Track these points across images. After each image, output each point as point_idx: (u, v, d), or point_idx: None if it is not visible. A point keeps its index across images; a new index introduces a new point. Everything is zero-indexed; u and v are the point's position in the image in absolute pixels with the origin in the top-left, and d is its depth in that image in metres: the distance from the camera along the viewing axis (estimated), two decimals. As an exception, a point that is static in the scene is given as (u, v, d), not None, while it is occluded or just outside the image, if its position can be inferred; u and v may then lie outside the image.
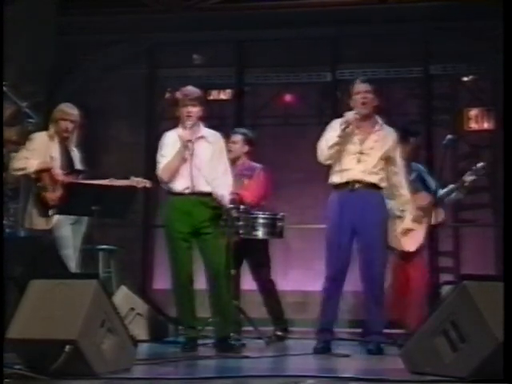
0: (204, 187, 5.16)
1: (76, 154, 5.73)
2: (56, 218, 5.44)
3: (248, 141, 6.19)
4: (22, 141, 6.20)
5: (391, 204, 5.70)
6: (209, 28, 8.24)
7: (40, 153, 5.51)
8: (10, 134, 6.64)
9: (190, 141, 5.11)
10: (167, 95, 8.64)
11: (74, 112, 5.66)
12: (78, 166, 5.70)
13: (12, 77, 6.21)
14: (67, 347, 3.48)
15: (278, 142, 7.92)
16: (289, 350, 5.64)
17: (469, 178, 5.91)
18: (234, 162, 5.93)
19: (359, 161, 5.10)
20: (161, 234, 8.29)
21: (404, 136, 5.94)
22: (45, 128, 5.79)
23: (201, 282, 5.31)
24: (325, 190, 5.30)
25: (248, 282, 6.25)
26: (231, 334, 5.21)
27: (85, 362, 3.55)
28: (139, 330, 5.63)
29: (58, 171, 5.50)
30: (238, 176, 5.89)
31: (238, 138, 6.18)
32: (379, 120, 5.27)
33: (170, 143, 5.24)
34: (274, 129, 8.32)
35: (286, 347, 5.82)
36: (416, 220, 5.91)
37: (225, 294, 5.20)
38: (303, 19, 8.11)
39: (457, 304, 3.70)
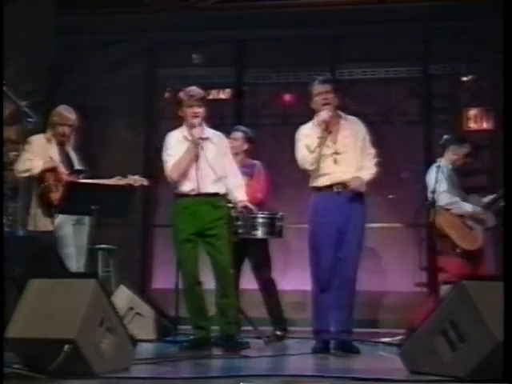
0: (209, 188, 5.20)
1: (74, 156, 5.72)
2: (58, 217, 5.44)
3: (248, 139, 6.22)
4: (21, 140, 6.20)
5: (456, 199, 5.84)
6: (208, 27, 8.24)
7: (40, 154, 5.51)
8: (10, 133, 6.64)
9: (201, 138, 5.16)
10: (167, 95, 8.64)
11: (72, 116, 5.65)
12: (78, 166, 5.69)
13: (11, 76, 6.21)
14: (66, 346, 3.48)
15: (278, 141, 7.91)
16: (288, 350, 5.63)
17: None
18: None
19: (336, 162, 5.07)
20: (160, 233, 8.37)
21: (459, 142, 6.03)
22: (44, 127, 5.79)
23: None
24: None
25: (247, 282, 6.25)
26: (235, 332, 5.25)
27: (84, 362, 3.55)
28: (138, 329, 5.62)
29: (63, 169, 5.49)
30: None
31: (238, 135, 6.20)
32: (342, 114, 5.23)
33: (176, 143, 5.27)
34: (273, 128, 8.32)
35: (286, 347, 5.82)
36: (483, 218, 5.96)
37: (230, 292, 5.22)
38: (303, 19, 8.11)
39: (456, 304, 3.71)
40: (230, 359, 4.80)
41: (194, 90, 5.30)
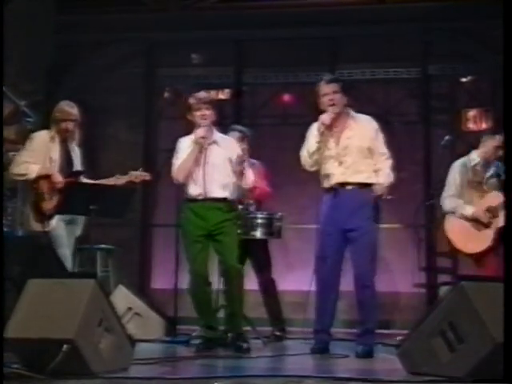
0: (217, 193, 5.19)
1: (77, 154, 5.67)
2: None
3: (245, 138, 6.21)
4: (20, 140, 6.19)
5: (456, 203, 5.78)
6: (207, 27, 8.24)
7: (39, 154, 5.44)
8: (9, 132, 6.63)
9: (204, 138, 5.15)
10: (166, 94, 8.65)
11: (74, 111, 5.58)
12: (78, 166, 5.65)
13: (11, 76, 6.21)
14: (65, 346, 3.48)
15: (277, 141, 7.92)
16: (287, 350, 5.63)
17: None
18: None
19: (340, 163, 5.05)
20: (159, 233, 8.37)
21: (492, 133, 5.96)
22: (43, 127, 5.76)
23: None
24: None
25: (246, 282, 6.24)
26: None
27: (82, 362, 3.55)
28: (137, 329, 5.63)
29: (58, 177, 5.41)
30: None
31: (235, 135, 6.19)
32: (352, 113, 5.18)
33: (186, 147, 5.28)
34: (272, 128, 8.32)
35: (285, 347, 5.82)
36: (483, 221, 5.85)
37: (238, 289, 5.21)
38: (302, 19, 8.11)
39: (454, 304, 3.71)
40: (229, 359, 4.80)
41: (202, 93, 5.35)
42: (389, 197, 6.24)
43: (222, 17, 8.28)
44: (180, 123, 8.36)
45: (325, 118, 5.03)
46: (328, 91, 5.09)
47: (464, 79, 8.18)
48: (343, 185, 5.05)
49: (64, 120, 5.52)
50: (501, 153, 5.82)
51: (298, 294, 7.15)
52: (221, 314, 5.60)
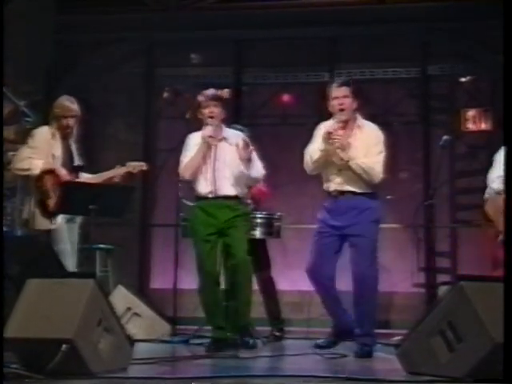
0: (227, 190, 5.19)
1: (74, 148, 5.65)
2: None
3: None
4: (20, 140, 6.18)
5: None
6: (207, 27, 8.24)
7: (42, 151, 5.40)
8: (8, 132, 6.62)
9: (212, 137, 5.14)
10: (165, 94, 8.64)
11: (75, 107, 5.50)
12: (78, 161, 5.61)
13: (10, 76, 6.20)
14: (64, 346, 3.48)
15: (276, 141, 7.92)
16: (286, 350, 5.64)
17: None
18: None
19: (340, 171, 5.00)
20: (158, 233, 8.36)
21: None
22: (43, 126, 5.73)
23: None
24: (322, 190, 5.30)
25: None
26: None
27: (81, 362, 3.55)
28: (136, 329, 5.63)
29: (62, 170, 5.40)
30: None
31: None
32: (359, 120, 5.11)
33: (194, 144, 5.27)
34: (271, 128, 8.32)
35: (283, 347, 5.82)
36: None
37: (247, 284, 5.22)
38: (301, 19, 8.10)
39: (454, 304, 3.71)
40: (228, 359, 4.80)
41: (211, 90, 5.33)
42: (388, 197, 6.25)
43: (221, 17, 8.28)
44: (179, 123, 8.42)
45: (330, 126, 4.97)
46: (338, 95, 5.02)
47: (463, 79, 8.18)
48: (342, 192, 5.03)
49: (65, 116, 5.46)
50: None
51: (297, 294, 7.16)
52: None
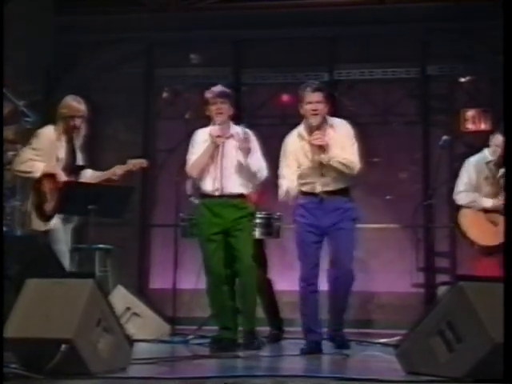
0: (234, 188, 5.18)
1: (78, 150, 5.60)
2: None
3: None
4: (19, 140, 6.17)
5: (473, 196, 5.86)
6: (206, 27, 8.24)
7: (45, 153, 5.33)
8: (7, 132, 6.61)
9: (219, 137, 5.13)
10: (164, 94, 8.64)
11: (82, 107, 5.40)
12: (80, 160, 5.56)
13: (9, 75, 6.19)
14: (63, 346, 3.48)
15: (275, 141, 7.91)
16: (284, 350, 5.64)
17: None
18: None
19: (322, 174, 5.10)
20: (157, 233, 8.36)
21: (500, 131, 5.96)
22: (41, 127, 5.69)
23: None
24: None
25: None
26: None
27: (81, 362, 3.54)
28: (135, 329, 5.63)
29: (62, 177, 5.33)
30: None
31: None
32: (330, 120, 5.21)
33: (201, 141, 5.25)
34: (271, 128, 8.30)
35: (283, 347, 5.82)
36: (493, 219, 5.88)
37: (251, 287, 5.23)
38: (301, 19, 8.11)
39: (453, 304, 3.71)
40: (227, 359, 4.80)
41: (218, 87, 5.32)
42: (387, 197, 6.27)
43: (220, 17, 8.28)
44: (179, 123, 8.43)
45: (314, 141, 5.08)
46: (312, 100, 5.12)
47: (463, 79, 8.19)
48: (326, 192, 5.10)
49: (71, 116, 5.36)
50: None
51: (294, 294, 7.15)
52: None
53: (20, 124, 6.73)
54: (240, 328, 5.27)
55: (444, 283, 6.20)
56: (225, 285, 5.23)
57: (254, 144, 5.27)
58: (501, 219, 5.71)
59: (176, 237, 6.70)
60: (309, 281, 5.15)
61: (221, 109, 5.20)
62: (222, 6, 8.27)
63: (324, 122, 5.17)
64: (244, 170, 5.19)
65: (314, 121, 5.10)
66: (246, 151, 5.14)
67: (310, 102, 5.11)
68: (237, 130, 5.32)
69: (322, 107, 5.12)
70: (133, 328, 5.57)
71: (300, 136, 5.22)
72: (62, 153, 5.41)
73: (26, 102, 6.69)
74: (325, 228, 5.10)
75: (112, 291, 6.17)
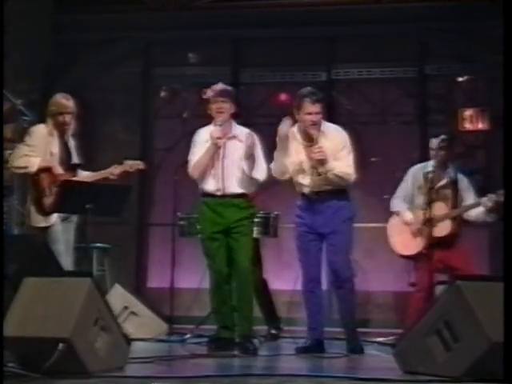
0: (235, 188, 5.16)
1: (72, 145, 5.64)
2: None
3: None
4: (17, 138, 6.17)
5: (400, 207, 6.01)
6: (204, 27, 8.24)
7: (39, 148, 5.39)
8: (5, 131, 6.61)
9: (220, 138, 5.10)
10: (162, 93, 8.64)
11: (70, 103, 5.50)
12: (75, 158, 5.61)
13: (8, 74, 6.19)
14: (60, 345, 3.48)
15: (273, 141, 7.91)
16: (282, 349, 5.64)
17: (488, 199, 5.77)
18: None
19: (312, 177, 5.11)
20: (155, 232, 8.36)
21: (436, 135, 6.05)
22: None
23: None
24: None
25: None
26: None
27: (78, 361, 3.54)
28: (133, 328, 5.63)
29: (59, 169, 5.40)
30: None
31: None
32: (323, 127, 5.17)
33: (202, 141, 5.22)
34: (268, 128, 8.28)
35: (280, 346, 5.82)
36: (417, 229, 5.93)
37: (248, 290, 5.21)
38: (299, 18, 8.11)
39: (450, 304, 3.71)
40: (224, 358, 4.81)
41: (219, 86, 5.28)
42: (385, 196, 6.28)
43: (218, 16, 8.28)
44: (177, 122, 8.43)
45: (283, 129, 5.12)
46: (312, 111, 5.08)
47: (460, 79, 8.19)
48: (319, 192, 5.12)
49: (61, 113, 5.45)
50: (445, 154, 5.95)
51: (294, 293, 7.16)
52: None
53: (18, 123, 6.74)
54: (236, 328, 5.27)
55: (442, 282, 6.19)
56: (226, 283, 5.23)
57: (258, 149, 5.24)
58: (425, 231, 5.80)
59: (174, 236, 6.70)
60: (310, 280, 5.17)
61: (222, 108, 5.17)
62: (220, 5, 8.27)
63: (319, 129, 5.14)
64: (246, 173, 5.19)
65: (313, 131, 5.07)
66: (249, 158, 5.13)
67: (310, 113, 5.07)
68: (239, 130, 5.29)
69: (320, 118, 5.11)
70: (130, 327, 5.57)
71: (295, 138, 5.20)
72: (55, 148, 5.46)
73: (24, 101, 6.70)
74: (319, 228, 5.12)
75: (109, 290, 6.17)
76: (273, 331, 6.14)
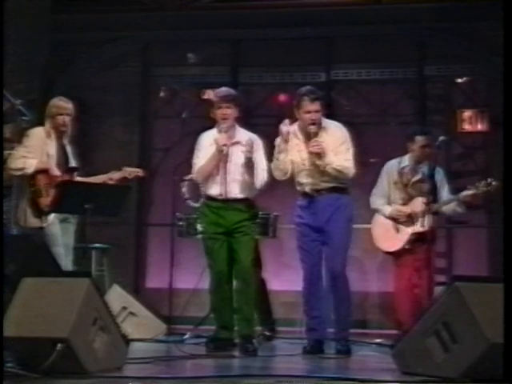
0: (238, 193, 5.17)
1: (70, 150, 5.66)
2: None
3: None
4: (16, 138, 6.17)
5: (379, 203, 5.96)
6: (204, 27, 8.24)
7: (37, 150, 5.41)
8: (4, 131, 6.60)
9: (225, 145, 5.08)
10: (161, 94, 8.64)
11: (69, 105, 5.54)
12: (73, 162, 5.64)
13: (6, 74, 6.19)
14: (59, 345, 3.47)
15: (272, 141, 7.92)
16: (280, 350, 5.64)
17: (465, 193, 5.72)
18: None
19: (313, 175, 5.14)
20: (154, 232, 8.36)
21: (410, 135, 5.98)
22: (38, 125, 5.73)
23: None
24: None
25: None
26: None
27: (76, 361, 3.54)
28: (131, 328, 5.63)
29: (55, 171, 5.41)
30: None
31: None
32: (324, 123, 5.20)
33: (207, 145, 5.22)
34: (267, 128, 8.29)
35: (277, 347, 5.82)
36: (401, 223, 5.93)
37: (249, 290, 5.21)
38: (298, 19, 8.11)
39: (449, 305, 3.71)
40: (223, 359, 4.80)
41: (223, 90, 5.27)
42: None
43: (218, 16, 8.28)
44: (176, 122, 8.43)
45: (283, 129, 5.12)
46: (311, 109, 5.11)
47: (460, 80, 8.19)
48: (318, 191, 5.13)
49: (60, 114, 5.48)
50: (428, 152, 5.90)
51: (292, 294, 7.16)
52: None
53: (17, 122, 6.73)
54: (235, 328, 5.26)
55: (440, 283, 6.19)
56: (226, 284, 5.22)
57: (258, 154, 5.23)
58: (406, 227, 5.86)
59: (172, 236, 6.70)
60: (310, 280, 5.17)
61: (226, 114, 5.14)
62: (220, 5, 8.27)
63: (319, 126, 5.18)
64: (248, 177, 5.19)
65: (313, 129, 5.10)
66: (248, 164, 5.12)
67: (309, 112, 5.10)
68: (243, 134, 5.27)
69: (319, 116, 5.13)
70: (129, 327, 5.56)
71: (296, 136, 5.21)
72: (52, 150, 5.48)
73: (23, 101, 6.69)
74: (319, 225, 5.12)
75: (108, 290, 6.17)
76: (266, 332, 6.13)
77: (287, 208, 6.84)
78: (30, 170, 5.34)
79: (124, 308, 6.01)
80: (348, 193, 5.25)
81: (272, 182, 5.36)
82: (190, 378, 3.72)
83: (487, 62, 7.72)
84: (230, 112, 5.16)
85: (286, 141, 5.12)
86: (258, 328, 6.15)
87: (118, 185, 5.49)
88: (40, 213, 5.33)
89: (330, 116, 5.48)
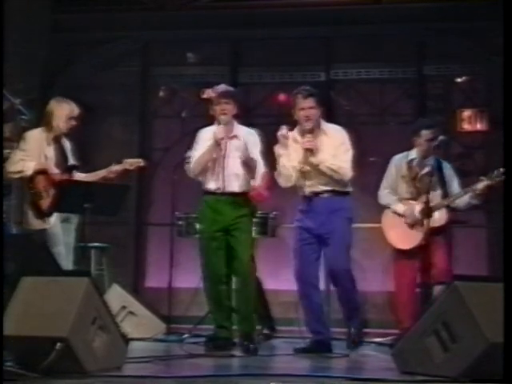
0: (235, 187, 5.19)
1: (68, 148, 5.66)
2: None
3: None
4: (15, 137, 6.17)
5: (390, 199, 5.93)
6: (203, 26, 8.24)
7: (34, 152, 5.43)
8: (3, 130, 6.60)
9: (222, 138, 5.12)
10: (161, 93, 8.63)
11: (70, 107, 5.55)
12: (72, 160, 5.63)
13: (6, 73, 6.19)
14: (58, 344, 3.48)
15: (272, 141, 7.92)
16: (279, 349, 5.64)
17: (480, 185, 5.66)
18: None
19: (310, 177, 5.16)
20: (153, 232, 8.36)
21: (416, 129, 5.95)
22: (38, 125, 5.74)
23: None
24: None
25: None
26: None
27: (75, 360, 3.54)
28: (131, 328, 5.63)
29: (54, 170, 5.42)
30: None
31: None
32: (323, 125, 5.24)
33: (206, 139, 5.25)
34: (267, 128, 8.29)
35: (276, 346, 5.82)
36: (414, 221, 5.88)
37: (248, 288, 5.22)
38: (298, 18, 8.11)
39: (448, 304, 3.72)
40: (222, 358, 4.80)
41: (222, 87, 5.33)
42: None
43: (217, 16, 8.28)
44: (175, 122, 8.43)
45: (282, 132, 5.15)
46: (305, 106, 5.14)
47: (459, 80, 8.19)
48: (317, 194, 5.16)
49: (60, 116, 5.49)
50: (434, 146, 5.86)
51: (290, 294, 7.15)
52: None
53: (16, 122, 6.72)
54: (234, 327, 5.26)
55: (440, 283, 6.20)
56: (223, 284, 5.22)
57: (256, 150, 5.27)
58: (422, 222, 5.71)
59: (172, 235, 6.70)
60: (305, 283, 5.19)
61: (225, 110, 5.19)
62: (219, 5, 8.27)
63: (317, 126, 5.20)
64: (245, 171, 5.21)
65: (307, 125, 5.14)
66: (246, 163, 5.16)
67: (303, 109, 5.14)
68: (241, 129, 5.32)
69: (314, 112, 5.15)
70: (128, 327, 5.56)
71: (295, 141, 5.22)
72: (50, 152, 5.50)
73: (23, 100, 6.69)
74: (318, 229, 5.13)
75: (107, 290, 6.17)
76: (265, 331, 6.13)
77: (287, 208, 6.85)
78: (29, 172, 5.35)
79: (123, 307, 6.01)
80: (348, 196, 5.25)
81: (270, 181, 5.38)
82: (190, 378, 3.73)
83: (487, 62, 7.72)
84: (229, 108, 5.21)
85: (285, 146, 5.14)
86: (258, 327, 6.15)
87: (117, 184, 5.49)
88: (41, 214, 5.34)
89: (329, 116, 5.48)
